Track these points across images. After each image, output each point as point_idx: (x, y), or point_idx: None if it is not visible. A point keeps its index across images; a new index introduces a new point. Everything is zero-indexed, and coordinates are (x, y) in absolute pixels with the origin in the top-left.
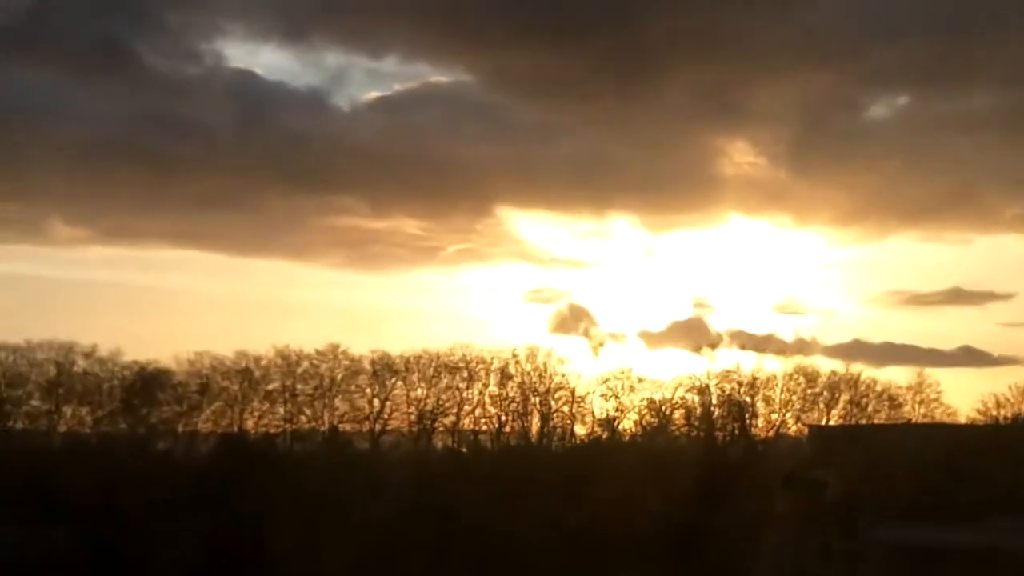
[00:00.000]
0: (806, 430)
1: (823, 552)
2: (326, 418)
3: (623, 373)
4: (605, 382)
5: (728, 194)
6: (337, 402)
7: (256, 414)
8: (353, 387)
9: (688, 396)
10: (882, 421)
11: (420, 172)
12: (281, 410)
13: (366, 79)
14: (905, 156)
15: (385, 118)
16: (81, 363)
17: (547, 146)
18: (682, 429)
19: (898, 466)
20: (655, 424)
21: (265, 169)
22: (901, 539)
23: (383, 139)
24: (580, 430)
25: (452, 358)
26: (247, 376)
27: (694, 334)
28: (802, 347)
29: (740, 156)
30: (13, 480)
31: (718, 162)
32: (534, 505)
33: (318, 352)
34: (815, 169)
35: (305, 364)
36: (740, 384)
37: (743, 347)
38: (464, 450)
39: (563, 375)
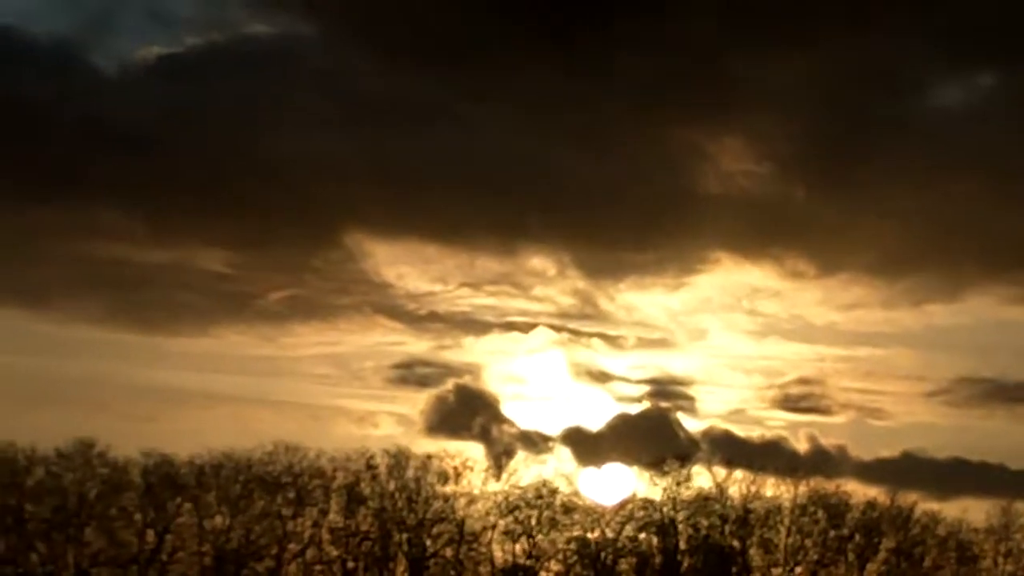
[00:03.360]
0: None
1: None
2: (71, 558)
3: (541, 498)
4: (512, 512)
5: (711, 222)
6: (89, 533)
7: None
8: (114, 510)
9: (642, 536)
10: None
11: (224, 175)
12: (0, 544)
13: (143, 26)
14: (992, 166)
15: (171, 87)
16: None
17: (425, 137)
18: None
19: None
20: None
21: None
22: None
23: (167, 120)
24: None
25: (271, 468)
26: None
27: (652, 438)
28: (823, 463)
29: (731, 162)
30: None
31: (696, 171)
32: None
33: (60, 454)
34: (850, 184)
35: (40, 472)
36: (724, 520)
37: (730, 462)
38: None
39: (446, 499)
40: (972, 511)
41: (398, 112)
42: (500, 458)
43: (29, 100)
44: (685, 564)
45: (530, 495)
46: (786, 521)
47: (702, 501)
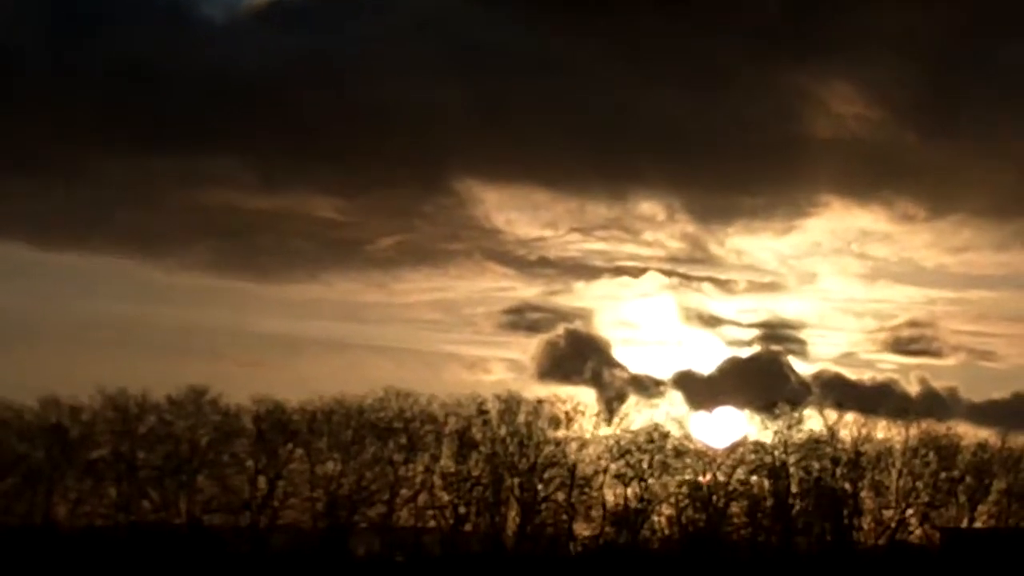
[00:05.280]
0: (938, 535)
1: None
2: (182, 505)
3: (653, 442)
4: (624, 456)
5: (821, 166)
6: (201, 480)
7: (72, 496)
8: (226, 457)
9: (754, 479)
10: None
11: (334, 122)
12: (112, 491)
13: None
14: None
15: (281, 36)
16: None
17: (534, 82)
18: (744, 531)
19: None
20: (701, 523)
21: (91, 114)
22: None
23: (277, 69)
24: (583, 530)
25: (382, 414)
26: (58, 437)
27: (763, 382)
28: (934, 406)
29: (841, 106)
30: None
31: (806, 116)
32: None
33: (171, 401)
34: (961, 127)
35: (151, 419)
36: (836, 462)
37: (841, 404)
38: (399, 559)
39: (557, 443)
40: None
41: (507, 58)
42: (611, 402)
43: (138, 50)
44: (796, 507)
45: (641, 439)
46: (897, 463)
47: (813, 444)
